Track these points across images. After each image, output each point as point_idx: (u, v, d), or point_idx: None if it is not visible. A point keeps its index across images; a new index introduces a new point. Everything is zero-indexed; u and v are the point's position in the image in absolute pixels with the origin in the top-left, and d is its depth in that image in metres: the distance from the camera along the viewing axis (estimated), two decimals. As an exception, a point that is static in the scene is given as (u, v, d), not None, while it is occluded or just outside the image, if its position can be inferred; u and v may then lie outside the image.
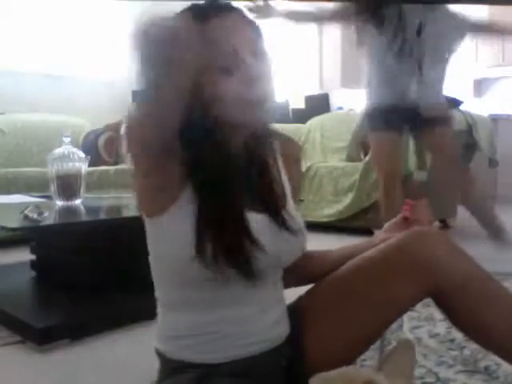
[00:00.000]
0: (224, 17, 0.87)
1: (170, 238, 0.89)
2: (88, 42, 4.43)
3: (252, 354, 0.94)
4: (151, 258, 0.97)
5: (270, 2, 2.55)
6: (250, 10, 2.43)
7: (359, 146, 3.95)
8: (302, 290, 1.10)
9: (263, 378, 0.96)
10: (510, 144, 4.89)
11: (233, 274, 0.88)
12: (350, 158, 4.02)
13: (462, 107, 3.72)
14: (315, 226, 3.30)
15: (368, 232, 3.21)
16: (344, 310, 1.01)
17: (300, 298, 1.09)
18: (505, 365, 1.25)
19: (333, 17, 2.76)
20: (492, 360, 1.36)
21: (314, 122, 4.47)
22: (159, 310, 1.00)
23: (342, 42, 5.54)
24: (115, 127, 3.81)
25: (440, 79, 2.65)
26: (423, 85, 2.55)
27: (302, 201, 3.63)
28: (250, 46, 0.88)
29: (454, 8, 2.64)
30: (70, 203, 2.15)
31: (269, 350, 0.97)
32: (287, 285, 1.06)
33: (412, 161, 3.26)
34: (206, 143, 0.86)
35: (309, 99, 5.52)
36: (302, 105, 5.50)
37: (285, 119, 4.93)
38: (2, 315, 1.75)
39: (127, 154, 0.82)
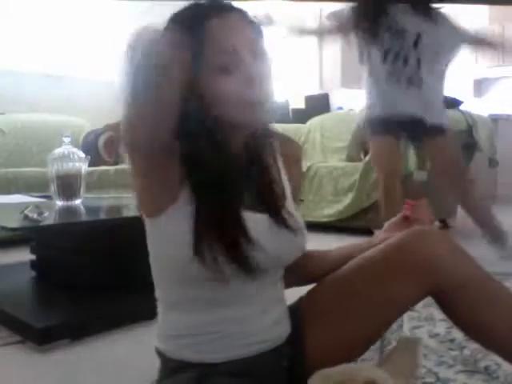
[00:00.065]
0: (224, 16, 0.87)
1: (169, 239, 0.89)
2: (88, 42, 4.43)
3: (252, 354, 0.94)
4: (151, 258, 0.97)
5: (268, 2, 2.56)
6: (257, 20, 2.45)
7: (359, 146, 3.95)
8: (303, 290, 1.10)
9: (263, 377, 0.96)
10: (510, 144, 4.89)
11: (232, 273, 0.88)
12: (349, 158, 4.02)
13: (461, 107, 3.72)
14: (315, 226, 3.30)
15: (368, 232, 3.21)
16: (344, 310, 1.01)
17: (301, 299, 1.09)
18: (505, 365, 1.25)
19: (333, 31, 2.77)
20: (492, 360, 1.36)
21: (314, 121, 4.47)
22: (159, 309, 1.00)
23: (342, 42, 5.54)
24: (115, 127, 3.81)
25: (438, 89, 2.64)
26: (421, 96, 2.54)
27: (302, 201, 3.63)
28: (250, 46, 0.87)
29: (454, 20, 2.63)
30: (70, 203, 2.15)
31: (269, 350, 0.97)
32: (288, 285, 1.06)
33: (412, 161, 3.25)
34: (204, 143, 0.86)
35: (309, 99, 5.52)
36: (302, 105, 5.50)
37: (285, 119, 4.93)
38: (2, 315, 1.75)
39: (125, 154, 0.82)
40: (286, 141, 1.08)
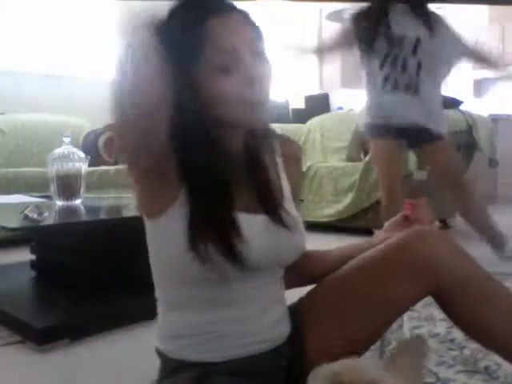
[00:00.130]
0: (225, 17, 0.87)
1: (169, 239, 0.89)
2: (88, 41, 4.43)
3: (252, 354, 0.94)
4: (151, 258, 0.97)
5: (268, 2, 2.57)
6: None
7: (359, 146, 3.95)
8: (303, 290, 1.10)
9: (263, 377, 0.96)
10: (510, 144, 4.89)
11: (233, 273, 0.88)
12: (349, 158, 4.02)
13: (462, 107, 3.72)
14: (315, 226, 3.30)
15: (368, 232, 3.21)
16: (344, 309, 1.01)
17: (301, 299, 1.09)
18: (505, 365, 1.25)
19: (333, 48, 2.77)
20: (492, 360, 1.36)
21: (314, 122, 4.47)
22: (159, 309, 1.00)
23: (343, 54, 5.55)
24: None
25: (437, 96, 2.62)
26: (419, 103, 2.53)
27: (302, 201, 3.63)
28: (250, 46, 0.87)
29: (452, 28, 2.62)
30: (70, 203, 2.15)
31: (269, 349, 0.97)
32: (288, 285, 1.06)
33: (412, 161, 3.25)
34: (202, 143, 0.86)
35: (309, 99, 5.52)
36: (302, 105, 5.50)
37: (285, 119, 4.94)
38: (2, 315, 1.75)
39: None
40: (286, 141, 1.08)
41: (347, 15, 2.69)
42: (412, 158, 3.23)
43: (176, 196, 0.87)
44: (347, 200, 3.57)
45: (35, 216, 1.75)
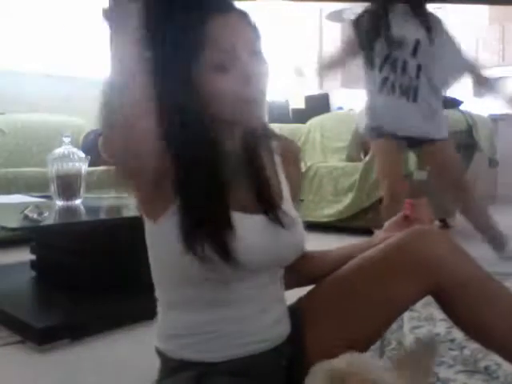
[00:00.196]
0: (222, 16, 0.87)
1: (169, 240, 0.89)
2: (88, 42, 4.43)
3: (251, 354, 0.94)
4: (151, 258, 0.97)
5: (268, 2, 2.56)
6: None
7: (359, 146, 3.95)
8: (303, 290, 1.10)
9: (263, 377, 0.96)
10: (510, 144, 4.89)
11: (233, 272, 0.88)
12: (349, 158, 4.02)
13: (461, 107, 3.72)
14: (315, 226, 3.30)
15: (368, 232, 3.20)
16: (344, 309, 1.01)
17: (300, 299, 1.09)
18: (505, 365, 1.25)
19: (333, 65, 2.76)
20: (492, 360, 1.36)
21: (314, 122, 4.47)
22: (159, 309, 1.00)
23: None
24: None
25: (436, 100, 2.60)
26: (418, 108, 2.52)
27: (302, 201, 3.63)
28: (247, 45, 0.88)
29: (453, 37, 2.61)
30: (69, 203, 2.15)
31: (269, 349, 0.97)
32: (288, 285, 1.06)
33: (412, 161, 3.25)
34: (199, 143, 0.86)
35: (309, 99, 5.52)
36: (302, 105, 5.50)
37: (285, 119, 4.93)
38: (2, 315, 1.75)
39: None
40: (284, 141, 1.08)
41: (347, 15, 2.68)
42: (412, 157, 3.23)
43: (174, 196, 0.87)
44: (347, 200, 3.57)
45: (35, 216, 1.75)
